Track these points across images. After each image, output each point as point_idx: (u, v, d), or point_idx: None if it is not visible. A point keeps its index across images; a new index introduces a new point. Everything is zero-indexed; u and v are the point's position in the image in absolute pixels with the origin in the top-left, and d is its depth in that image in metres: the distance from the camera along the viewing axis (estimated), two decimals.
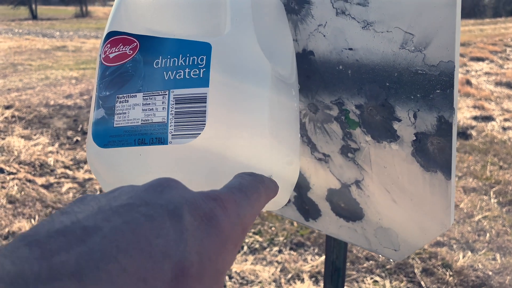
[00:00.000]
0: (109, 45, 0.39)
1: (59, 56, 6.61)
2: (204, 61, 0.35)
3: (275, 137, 0.36)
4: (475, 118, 3.67)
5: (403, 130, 0.39)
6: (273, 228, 2.06)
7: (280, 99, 0.37)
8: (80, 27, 12.48)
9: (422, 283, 1.74)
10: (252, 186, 0.27)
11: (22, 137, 3.13)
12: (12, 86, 4.52)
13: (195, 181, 0.35)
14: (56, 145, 3.04)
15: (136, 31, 0.38)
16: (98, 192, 2.37)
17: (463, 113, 3.73)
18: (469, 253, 1.90)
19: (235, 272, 1.77)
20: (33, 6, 17.32)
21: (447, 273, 1.78)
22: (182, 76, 0.35)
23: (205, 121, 0.34)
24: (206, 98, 0.34)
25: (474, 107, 3.92)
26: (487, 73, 5.26)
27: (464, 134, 3.28)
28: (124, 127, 0.36)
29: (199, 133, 0.34)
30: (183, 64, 0.35)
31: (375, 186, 0.44)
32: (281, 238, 1.98)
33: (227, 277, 1.76)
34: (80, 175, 2.62)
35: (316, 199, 0.51)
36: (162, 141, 0.35)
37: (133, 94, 0.36)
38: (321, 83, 0.43)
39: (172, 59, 0.36)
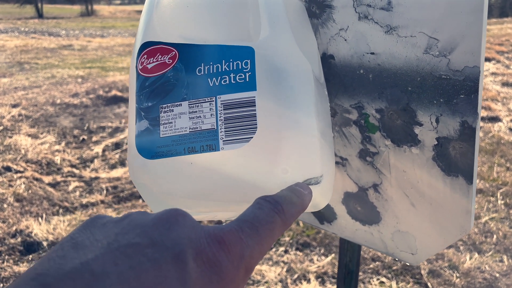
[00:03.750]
0: (145, 56, 0.38)
1: (65, 55, 6.63)
2: (248, 65, 0.35)
3: (323, 136, 0.37)
4: (482, 118, 3.65)
5: (425, 134, 0.38)
6: None
7: (320, 98, 0.38)
8: (85, 26, 12.52)
9: (429, 284, 1.73)
10: (268, 219, 0.26)
11: (29, 135, 3.15)
12: (18, 85, 4.54)
13: (249, 185, 0.35)
14: (63, 143, 3.05)
15: (173, 40, 0.38)
16: (104, 192, 2.38)
17: None
18: (476, 255, 1.89)
19: None
20: (39, 4, 17.39)
21: (454, 275, 1.77)
22: (228, 82, 0.35)
23: (256, 124, 0.34)
24: (255, 102, 0.34)
25: (481, 107, 3.90)
26: (493, 74, 5.23)
27: None
28: (172, 137, 0.36)
29: (252, 137, 0.34)
30: (228, 69, 0.35)
31: (394, 190, 0.43)
32: (287, 238, 1.98)
33: None
34: (87, 173, 2.63)
35: (332, 202, 0.51)
36: (214, 147, 0.35)
37: (178, 103, 0.36)
38: (341, 87, 0.43)
39: (215, 65, 0.36)
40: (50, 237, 1.94)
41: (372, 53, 0.39)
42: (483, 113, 3.74)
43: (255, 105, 0.34)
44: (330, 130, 0.41)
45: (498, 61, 5.88)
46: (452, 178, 0.38)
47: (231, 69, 0.35)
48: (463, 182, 0.38)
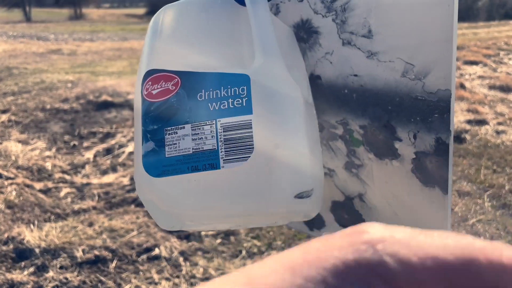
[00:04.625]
0: (150, 82, 0.42)
1: (55, 60, 6.60)
2: (245, 91, 0.39)
3: (312, 152, 0.41)
4: (469, 122, 3.71)
5: (404, 149, 0.42)
6: (271, 233, 2.08)
7: (309, 118, 0.42)
8: (74, 29, 12.46)
9: None
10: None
11: (19, 141, 3.14)
12: (7, 90, 4.52)
13: (247, 200, 0.39)
14: (53, 149, 3.05)
15: (175, 67, 0.41)
16: (96, 198, 2.39)
17: (457, 117, 3.78)
18: None
19: None
20: (27, 8, 17.25)
21: None
22: (226, 106, 0.39)
23: (253, 145, 0.38)
24: (251, 124, 0.38)
25: (468, 110, 3.96)
26: (480, 77, 5.31)
27: (458, 138, 3.32)
28: (176, 157, 0.40)
29: (249, 156, 0.38)
30: (226, 95, 0.39)
31: (377, 199, 0.47)
32: (279, 243, 2.01)
33: None
34: (78, 179, 2.63)
35: (321, 210, 0.54)
36: (215, 166, 0.38)
37: (182, 126, 0.40)
38: (327, 104, 0.46)
39: (214, 91, 0.39)
40: (43, 244, 1.95)
41: (355, 75, 0.42)
42: (470, 116, 3.80)
43: (251, 127, 0.38)
44: (318, 145, 0.44)
45: (485, 65, 5.98)
46: (429, 189, 0.42)
47: (229, 94, 0.39)
48: (439, 193, 0.41)
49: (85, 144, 3.17)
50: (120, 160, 2.90)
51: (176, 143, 0.40)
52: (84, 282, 1.75)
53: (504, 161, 2.96)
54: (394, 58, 0.39)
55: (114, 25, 14.58)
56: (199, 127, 0.39)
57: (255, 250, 1.96)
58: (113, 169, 2.78)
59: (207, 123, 0.39)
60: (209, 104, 0.39)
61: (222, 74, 0.39)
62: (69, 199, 2.39)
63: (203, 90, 0.40)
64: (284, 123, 0.39)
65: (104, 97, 4.21)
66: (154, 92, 0.41)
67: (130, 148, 3.06)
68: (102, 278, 1.77)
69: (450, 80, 0.36)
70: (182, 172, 0.39)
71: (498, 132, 3.52)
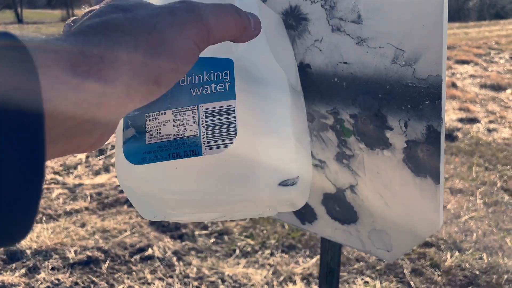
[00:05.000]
0: None
1: None
2: (228, 76, 0.38)
3: (298, 140, 0.40)
4: (461, 120, 3.73)
5: (395, 138, 0.41)
6: (264, 231, 2.08)
7: (295, 105, 0.41)
8: None
9: (412, 283, 1.77)
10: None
11: None
12: None
13: (230, 188, 0.38)
14: None
15: None
16: (89, 198, 2.37)
17: (449, 115, 3.80)
18: (457, 253, 1.94)
19: (228, 275, 1.79)
20: (19, 9, 17.13)
21: (436, 273, 1.82)
22: (209, 91, 0.38)
23: (235, 131, 0.37)
24: (234, 110, 0.37)
25: (460, 109, 3.99)
26: (472, 76, 5.35)
27: (450, 136, 3.34)
28: (157, 143, 0.38)
29: (232, 142, 0.37)
30: (209, 80, 0.38)
31: (369, 190, 0.46)
32: (272, 241, 2.01)
33: (219, 280, 1.77)
34: (70, 180, 2.61)
35: (312, 203, 0.53)
36: (197, 153, 0.37)
37: (163, 112, 0.39)
38: (317, 94, 0.45)
39: (197, 76, 0.38)
40: (34, 245, 1.93)
41: (345, 63, 0.41)
42: (462, 114, 3.82)
43: (234, 113, 0.37)
44: (306, 134, 0.44)
45: (476, 64, 6.02)
46: (421, 179, 0.41)
47: (212, 79, 0.38)
48: (431, 182, 0.41)
49: None
50: (112, 160, 2.87)
51: (157, 129, 0.39)
52: (76, 283, 1.73)
53: (495, 158, 2.98)
54: (384, 44, 0.38)
55: None
56: (181, 112, 0.38)
57: (249, 249, 1.95)
58: (106, 169, 2.76)
59: (189, 109, 0.38)
60: (191, 89, 0.38)
61: (205, 59, 0.38)
62: (61, 200, 2.36)
63: (185, 75, 0.39)
64: (268, 109, 0.38)
65: None
66: None
67: None
68: (95, 279, 1.76)
69: (441, 66, 0.35)
70: (163, 159, 0.38)
71: (489, 130, 3.54)
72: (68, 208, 2.28)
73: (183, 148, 0.37)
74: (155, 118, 0.39)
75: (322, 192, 0.51)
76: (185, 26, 0.28)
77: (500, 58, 6.24)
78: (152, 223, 2.14)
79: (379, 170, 0.44)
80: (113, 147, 3.09)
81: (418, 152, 0.40)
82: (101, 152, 3.01)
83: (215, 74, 0.38)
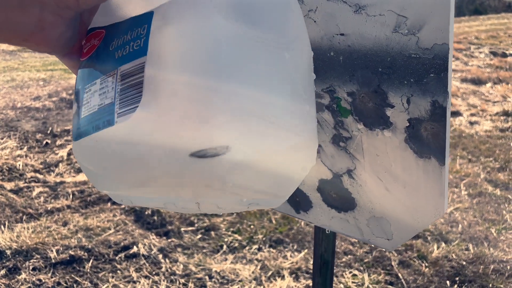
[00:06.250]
0: (84, 41, 0.37)
1: (25, 58, 6.40)
2: (145, 30, 0.32)
3: (232, 98, 0.31)
4: None
5: (396, 116, 0.38)
6: (251, 226, 2.05)
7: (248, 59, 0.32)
8: None
9: (399, 275, 1.77)
10: None
11: None
12: None
13: (144, 161, 0.32)
14: (25, 148, 2.93)
15: (107, 23, 0.36)
16: (71, 196, 2.31)
17: None
18: (443, 244, 1.94)
19: (215, 271, 1.76)
20: None
21: (423, 265, 1.82)
22: (127, 51, 0.33)
23: (141, 92, 0.31)
24: (144, 68, 0.31)
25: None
26: (453, 70, 5.41)
27: None
28: (87, 116, 0.35)
29: (137, 106, 0.31)
30: (129, 38, 0.33)
31: (368, 175, 0.43)
32: (260, 236, 1.98)
33: (207, 277, 1.74)
34: (51, 178, 2.54)
35: (307, 190, 0.50)
36: (111, 122, 0.32)
37: (94, 82, 0.35)
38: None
39: (122, 37, 0.34)
40: (14, 245, 1.87)
41: (342, 34, 0.38)
42: None
43: (143, 72, 0.31)
44: (247, 92, 0.32)
45: (457, 58, 6.08)
46: (424, 160, 0.38)
47: (131, 37, 0.33)
48: (436, 164, 0.38)
49: (59, 142, 3.07)
50: None
51: (89, 102, 0.35)
52: (58, 283, 1.67)
53: (478, 150, 3.01)
54: (385, 11, 0.35)
55: None
56: (105, 80, 0.34)
57: (236, 244, 1.92)
58: None
59: (111, 74, 0.33)
60: (116, 52, 0.34)
61: (134, 18, 0.34)
62: (41, 199, 2.29)
63: (115, 39, 0.34)
64: (181, 65, 0.31)
65: None
66: (84, 50, 0.36)
67: None
68: (78, 279, 1.70)
69: (447, 32, 0.32)
70: (88, 133, 0.34)
71: (471, 123, 3.58)
72: (49, 206, 2.21)
73: (102, 118, 0.33)
74: (88, 89, 0.35)
75: (318, 178, 0.48)
76: None
77: (480, 52, 6.32)
78: (136, 220, 2.09)
79: (379, 152, 0.41)
80: None
81: (422, 131, 0.37)
82: None
83: (135, 31, 0.33)
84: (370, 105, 0.40)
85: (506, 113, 3.69)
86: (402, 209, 0.43)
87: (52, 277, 1.70)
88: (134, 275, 1.73)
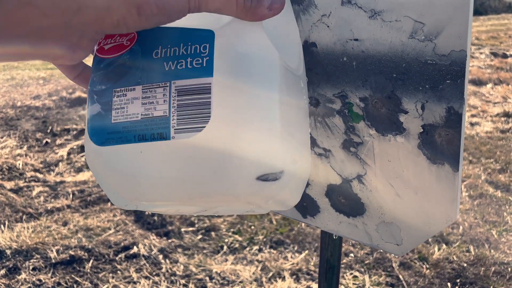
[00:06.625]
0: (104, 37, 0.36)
1: None
2: (207, 50, 0.33)
3: (287, 129, 0.34)
4: None
5: (410, 122, 0.38)
6: (252, 227, 2.04)
7: (289, 91, 0.36)
8: None
9: (400, 276, 1.77)
10: None
11: None
12: None
13: (200, 178, 0.33)
14: (25, 147, 2.93)
15: None
16: (71, 196, 2.30)
17: None
18: (444, 246, 1.94)
19: (216, 272, 1.75)
20: None
21: (424, 266, 1.81)
22: (183, 66, 0.33)
23: (210, 113, 0.32)
24: (210, 89, 0.32)
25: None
26: None
27: None
28: (123, 123, 0.34)
29: (204, 126, 0.32)
30: (185, 53, 0.33)
31: (378, 180, 0.43)
32: (260, 237, 1.98)
33: (207, 278, 1.74)
34: (51, 178, 2.53)
35: (315, 195, 0.50)
36: (164, 136, 0.32)
37: (132, 88, 0.34)
38: (324, 75, 0.41)
39: (172, 49, 0.33)
40: (14, 245, 1.86)
41: (356, 40, 0.38)
42: None
43: (210, 92, 0.32)
44: (303, 125, 0.39)
45: None
46: (437, 166, 0.38)
47: (188, 53, 0.33)
48: (449, 170, 0.37)
49: (58, 141, 3.06)
50: None
51: (124, 107, 0.34)
52: (58, 284, 1.67)
53: (479, 151, 3.01)
54: (401, 17, 0.35)
55: None
56: (151, 89, 0.33)
57: (237, 245, 1.92)
58: (88, 166, 2.68)
59: (160, 85, 0.33)
60: (164, 63, 0.33)
61: (183, 29, 0.34)
62: (41, 198, 2.29)
63: (160, 47, 0.34)
64: (251, 91, 0.33)
65: (78, 93, 4.08)
66: (106, 47, 0.35)
67: None
68: (78, 279, 1.70)
69: (466, 39, 0.32)
70: (128, 142, 0.33)
71: (472, 124, 3.58)
72: (49, 206, 2.21)
73: (150, 130, 0.33)
74: (123, 94, 0.34)
75: (326, 183, 0.48)
76: None
77: (481, 53, 6.33)
78: (137, 221, 2.09)
79: (391, 158, 0.41)
80: None
81: (436, 137, 0.37)
82: (83, 149, 2.93)
83: (193, 47, 0.33)
84: (383, 110, 0.39)
85: (506, 114, 3.69)
86: (413, 214, 0.43)
87: (52, 277, 1.70)
88: (135, 275, 1.72)
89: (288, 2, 0.41)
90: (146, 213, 2.13)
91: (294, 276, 1.75)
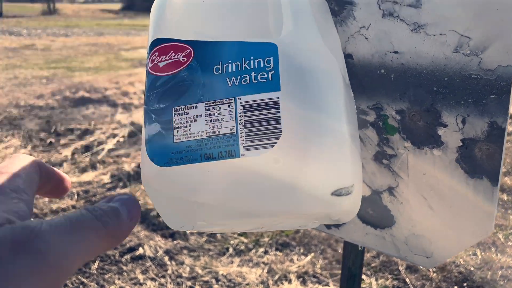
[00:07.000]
0: (157, 53, 0.35)
1: (28, 55, 6.38)
2: (271, 63, 0.32)
3: (353, 141, 0.34)
4: None
5: (449, 136, 0.37)
6: None
7: (348, 100, 0.35)
8: (48, 25, 12.10)
9: (407, 280, 1.76)
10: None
11: None
12: None
13: (271, 196, 0.32)
14: (29, 147, 2.92)
15: (187, 37, 0.34)
16: (75, 197, 2.30)
17: None
18: None
19: (222, 274, 1.75)
20: None
21: (431, 270, 1.81)
22: (248, 81, 0.32)
23: (280, 128, 0.31)
24: (279, 103, 0.31)
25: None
26: None
27: None
28: (187, 142, 0.33)
29: (276, 142, 0.31)
30: (248, 68, 0.32)
31: (410, 193, 0.42)
32: (266, 239, 1.97)
33: (214, 280, 1.73)
34: None
35: None
36: (233, 154, 0.32)
37: (194, 105, 0.33)
38: (359, 87, 0.41)
39: (234, 64, 0.33)
40: None
41: (396, 52, 0.37)
42: None
43: (279, 107, 0.31)
44: (357, 134, 0.38)
45: None
46: (475, 180, 0.37)
47: (252, 67, 0.32)
48: (488, 184, 0.37)
49: (62, 141, 3.06)
50: (99, 157, 2.80)
51: (186, 126, 0.33)
52: (65, 285, 1.66)
53: None
54: (446, 31, 0.34)
55: (89, 20, 14.26)
56: (214, 106, 0.33)
57: (242, 247, 1.92)
58: (93, 166, 2.68)
59: (225, 102, 0.32)
60: (227, 78, 0.33)
61: (244, 43, 0.33)
62: (46, 199, 2.28)
63: (220, 62, 0.33)
64: (320, 103, 0.32)
65: (82, 93, 4.08)
66: (161, 64, 0.35)
67: (109, 145, 2.97)
68: (84, 280, 1.69)
69: None
70: (194, 161, 0.33)
71: None
72: (54, 207, 2.20)
73: (218, 148, 0.32)
74: (184, 112, 0.33)
75: None
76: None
77: None
78: (142, 222, 2.08)
79: (426, 171, 0.40)
80: (99, 143, 3.01)
81: (476, 151, 0.36)
82: (87, 149, 2.93)
83: (256, 61, 0.32)
84: (421, 123, 0.39)
85: (510, 116, 3.69)
86: (445, 228, 0.42)
87: None
88: (140, 277, 1.72)
89: (328, 11, 0.40)
90: (151, 214, 2.13)
91: (301, 279, 1.74)
